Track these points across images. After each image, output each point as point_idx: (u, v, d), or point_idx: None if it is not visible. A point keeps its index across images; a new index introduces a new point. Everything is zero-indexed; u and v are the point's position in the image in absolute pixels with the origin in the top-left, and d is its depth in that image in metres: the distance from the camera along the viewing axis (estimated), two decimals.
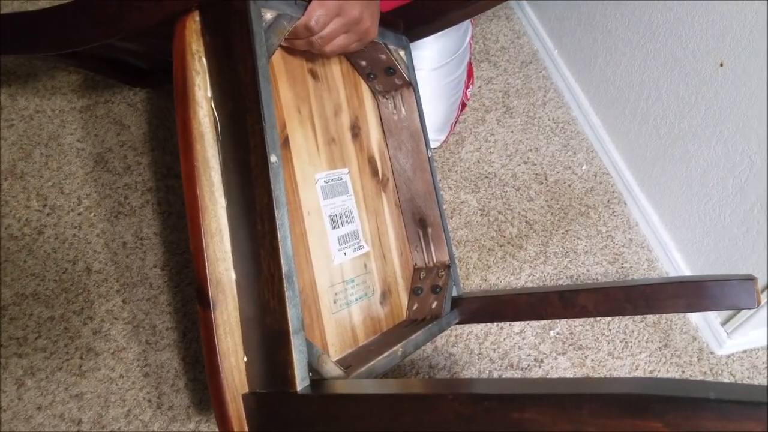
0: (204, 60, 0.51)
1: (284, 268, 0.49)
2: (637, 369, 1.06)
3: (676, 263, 1.19)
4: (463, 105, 1.25)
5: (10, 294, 0.89)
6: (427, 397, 0.41)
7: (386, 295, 0.78)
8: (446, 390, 0.41)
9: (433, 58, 1.04)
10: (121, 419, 0.84)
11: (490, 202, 1.21)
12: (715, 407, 0.34)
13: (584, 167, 1.32)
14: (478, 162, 1.27)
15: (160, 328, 0.92)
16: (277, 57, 0.65)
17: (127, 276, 0.95)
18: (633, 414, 0.35)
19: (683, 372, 1.08)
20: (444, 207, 1.03)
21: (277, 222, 0.48)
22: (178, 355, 0.90)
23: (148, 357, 0.89)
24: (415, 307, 0.82)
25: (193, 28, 0.51)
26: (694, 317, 1.16)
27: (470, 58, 1.21)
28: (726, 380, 1.10)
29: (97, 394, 0.85)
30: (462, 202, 1.20)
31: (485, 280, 1.11)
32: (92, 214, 0.99)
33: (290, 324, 0.49)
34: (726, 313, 1.11)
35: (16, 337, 0.87)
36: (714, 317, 1.13)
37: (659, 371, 1.07)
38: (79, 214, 0.99)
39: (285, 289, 0.49)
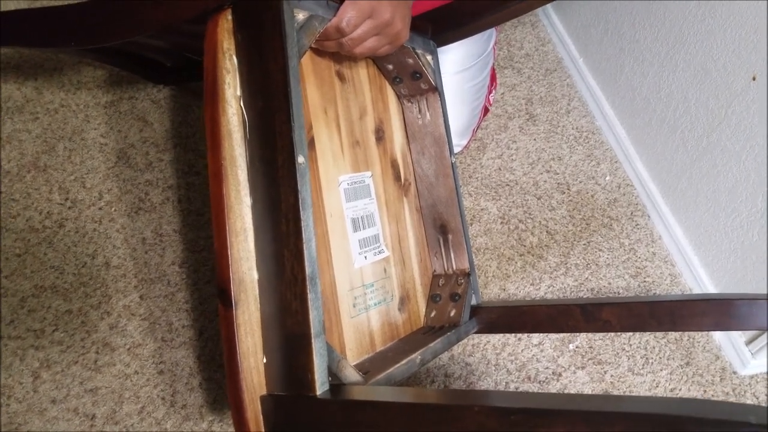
0: (235, 58, 0.51)
1: (308, 270, 0.48)
2: (657, 386, 1.04)
3: (700, 279, 1.16)
4: (486, 110, 1.24)
5: (29, 286, 0.90)
6: (451, 408, 0.40)
7: (404, 301, 0.77)
8: (471, 401, 0.40)
9: (456, 61, 1.03)
10: (134, 416, 0.84)
11: (510, 210, 1.20)
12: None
13: (608, 178, 1.30)
14: (500, 169, 1.25)
15: (176, 325, 0.92)
16: (306, 58, 0.65)
17: (145, 272, 0.95)
18: None
19: (705, 391, 1.06)
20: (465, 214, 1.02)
21: (302, 223, 0.48)
22: (193, 354, 0.90)
23: (164, 354, 0.89)
24: (433, 315, 0.81)
25: (225, 26, 0.50)
26: (718, 335, 1.13)
27: (493, 64, 1.20)
28: (749, 402, 1.07)
29: (111, 390, 0.85)
30: (482, 210, 1.19)
31: (504, 289, 1.10)
32: (113, 209, 0.99)
33: (312, 327, 0.48)
34: (750, 333, 1.09)
35: (34, 329, 0.87)
36: (738, 336, 1.10)
37: (680, 390, 1.05)
38: (100, 209, 0.99)
39: (308, 292, 0.48)
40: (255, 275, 0.51)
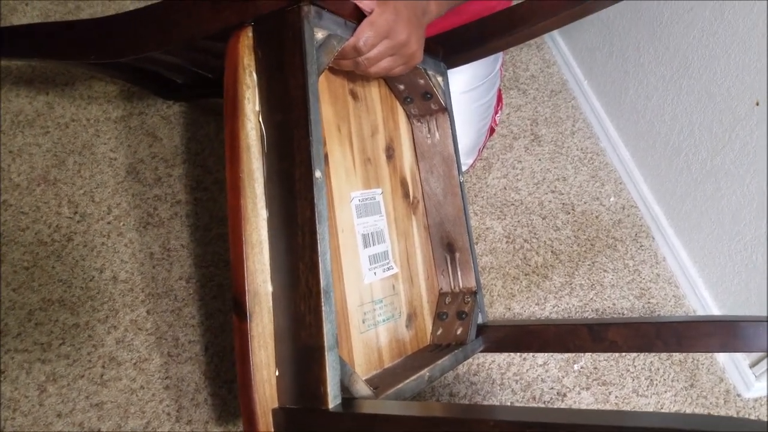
0: (254, 74, 0.52)
1: (322, 283, 0.48)
2: (662, 408, 1.04)
3: (704, 301, 1.17)
4: (492, 130, 1.25)
5: (37, 299, 0.90)
6: (466, 422, 0.41)
7: (412, 318, 0.77)
8: (487, 416, 0.40)
9: (463, 81, 1.04)
10: (139, 431, 0.83)
11: (515, 230, 1.20)
12: None
13: (612, 199, 1.31)
14: (505, 189, 1.26)
15: (182, 340, 0.92)
16: (321, 76, 0.66)
17: (152, 287, 0.95)
18: None
19: (709, 414, 1.06)
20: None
21: (318, 236, 0.48)
22: (199, 369, 0.90)
23: (170, 369, 0.89)
24: (439, 332, 0.81)
25: (246, 42, 0.51)
26: (722, 358, 1.13)
27: (500, 84, 1.22)
28: None
29: (117, 405, 0.85)
30: (487, 229, 1.19)
31: (509, 308, 1.10)
32: (121, 223, 1.00)
33: (325, 340, 0.48)
34: (754, 355, 1.09)
35: (41, 342, 0.87)
36: (742, 359, 1.10)
37: (684, 411, 1.05)
38: (109, 223, 0.99)
39: (322, 304, 0.48)
40: (269, 288, 0.51)
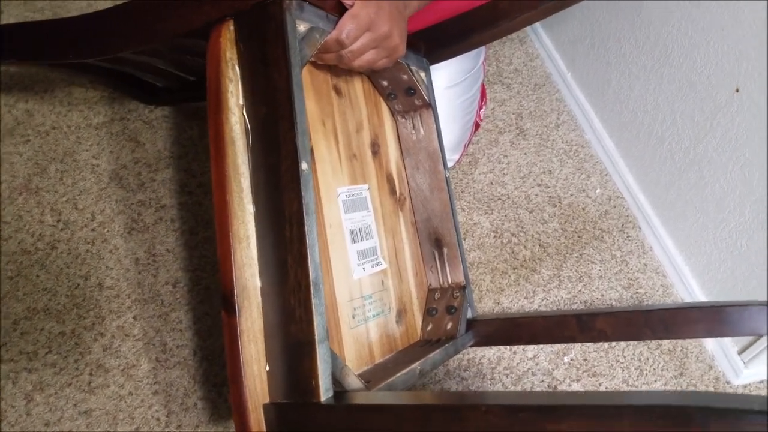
0: (237, 68, 0.51)
1: (312, 276, 0.48)
2: None
3: (691, 289, 1.17)
4: (477, 126, 1.26)
5: (22, 308, 0.89)
6: (459, 409, 0.40)
7: (402, 313, 0.77)
8: (479, 401, 0.40)
9: (447, 76, 1.04)
10: None
11: (503, 224, 1.21)
12: (759, 418, 0.33)
13: (598, 190, 1.31)
14: (491, 183, 1.26)
15: (170, 345, 0.91)
16: (304, 72, 0.65)
17: (138, 292, 0.94)
18: (675, 425, 0.34)
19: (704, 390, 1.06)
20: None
21: (306, 229, 0.48)
22: (187, 374, 0.89)
23: (158, 374, 0.88)
24: (429, 328, 0.81)
25: (227, 36, 0.51)
26: (711, 345, 1.14)
27: (483, 80, 1.22)
28: None
29: (105, 411, 0.83)
30: (475, 224, 1.19)
31: (498, 303, 1.10)
32: (105, 230, 0.99)
33: (316, 333, 0.48)
34: (743, 342, 1.10)
35: (27, 351, 0.86)
36: (731, 346, 1.11)
37: None
38: (93, 230, 0.98)
39: (312, 298, 0.48)
40: (258, 282, 0.51)
